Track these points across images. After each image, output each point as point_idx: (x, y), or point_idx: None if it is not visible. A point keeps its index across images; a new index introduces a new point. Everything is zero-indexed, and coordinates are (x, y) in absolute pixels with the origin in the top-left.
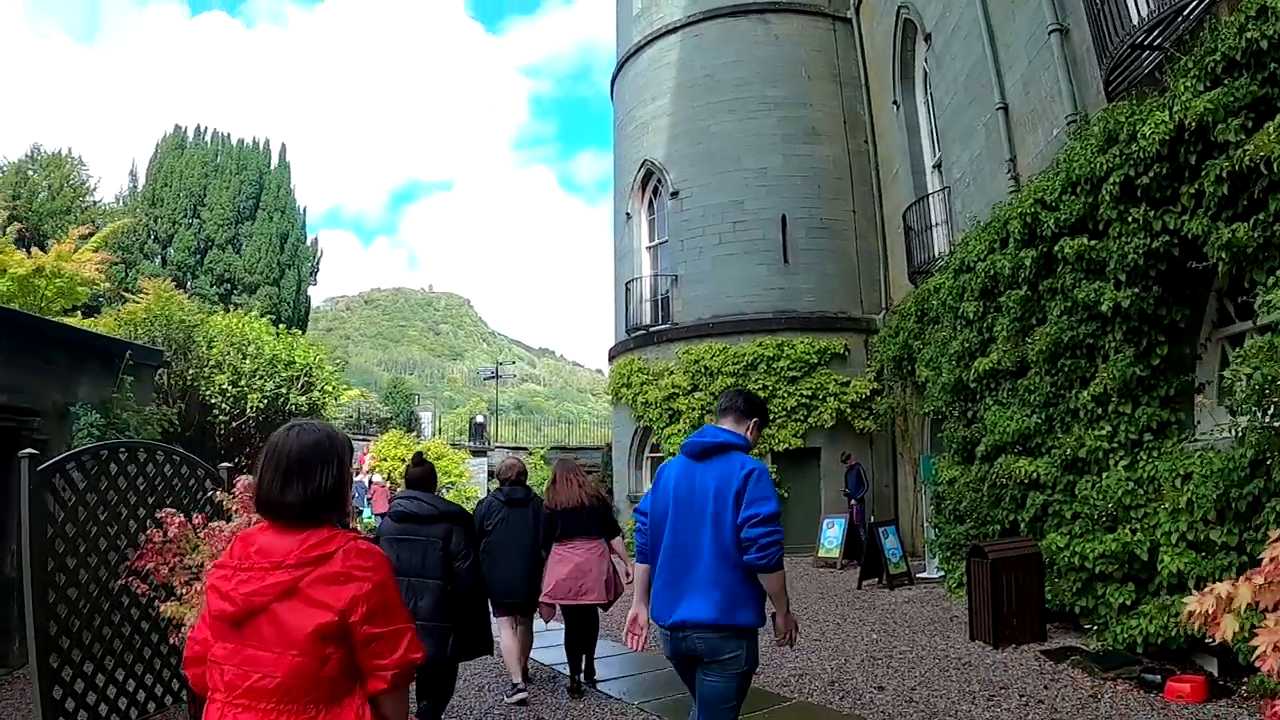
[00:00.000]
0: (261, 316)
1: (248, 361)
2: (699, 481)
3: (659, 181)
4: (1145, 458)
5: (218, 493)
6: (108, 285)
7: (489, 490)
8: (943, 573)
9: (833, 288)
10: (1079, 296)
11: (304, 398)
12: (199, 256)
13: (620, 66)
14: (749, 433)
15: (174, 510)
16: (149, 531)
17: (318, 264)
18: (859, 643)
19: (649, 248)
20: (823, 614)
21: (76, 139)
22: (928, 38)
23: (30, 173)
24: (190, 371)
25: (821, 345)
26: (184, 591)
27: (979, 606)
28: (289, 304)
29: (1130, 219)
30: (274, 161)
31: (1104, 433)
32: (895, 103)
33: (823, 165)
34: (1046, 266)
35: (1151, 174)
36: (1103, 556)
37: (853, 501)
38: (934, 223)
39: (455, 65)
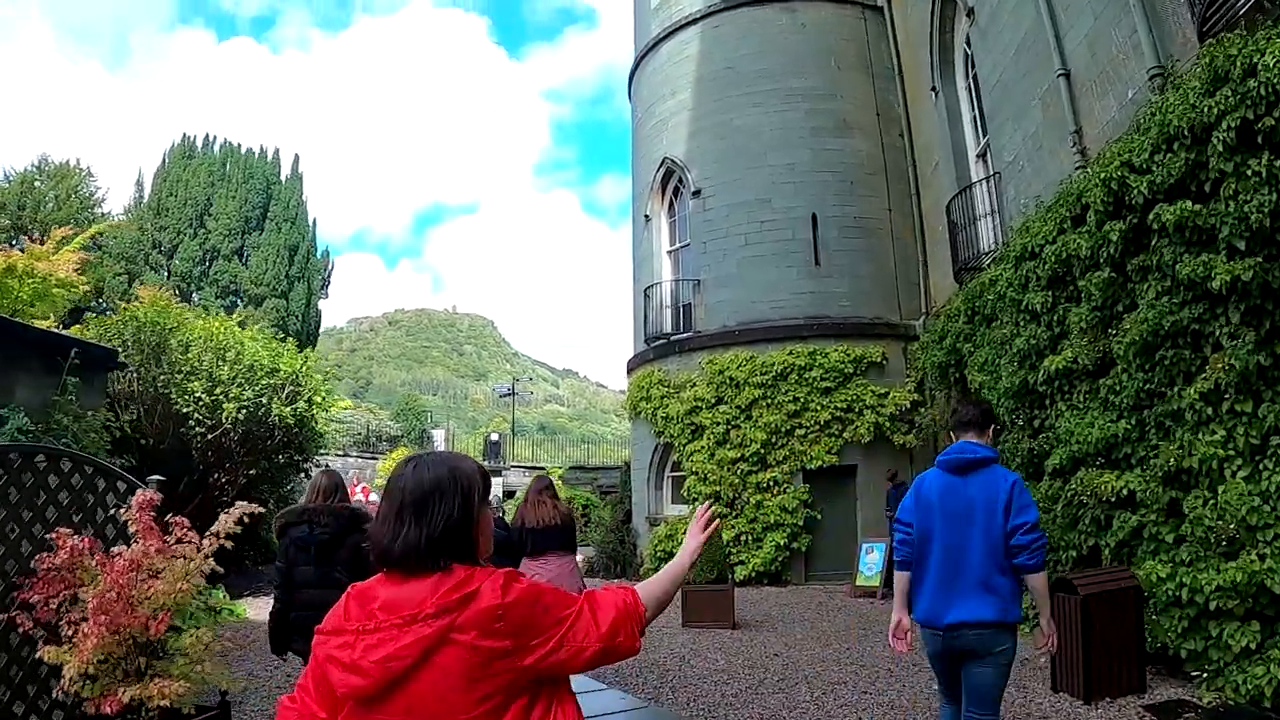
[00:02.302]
0: (268, 329)
1: (226, 367)
2: (966, 494)
3: (680, 181)
4: (1272, 466)
5: (121, 511)
6: (87, 288)
7: (502, 511)
8: None
9: (868, 291)
10: (1182, 273)
11: (289, 409)
12: (204, 267)
13: (638, 63)
14: (990, 441)
15: (69, 531)
16: (39, 556)
17: (329, 277)
18: (919, 695)
19: (669, 252)
20: (869, 656)
21: (102, 160)
22: (970, 12)
23: (37, 183)
24: (162, 378)
25: (857, 353)
26: (70, 633)
27: (1065, 651)
28: (298, 317)
29: (1249, 172)
30: (285, 172)
31: (1217, 437)
32: (934, 89)
33: (855, 160)
34: (1136, 241)
35: (1277, 114)
36: (1220, 589)
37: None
38: (980, 214)
39: (478, 90)
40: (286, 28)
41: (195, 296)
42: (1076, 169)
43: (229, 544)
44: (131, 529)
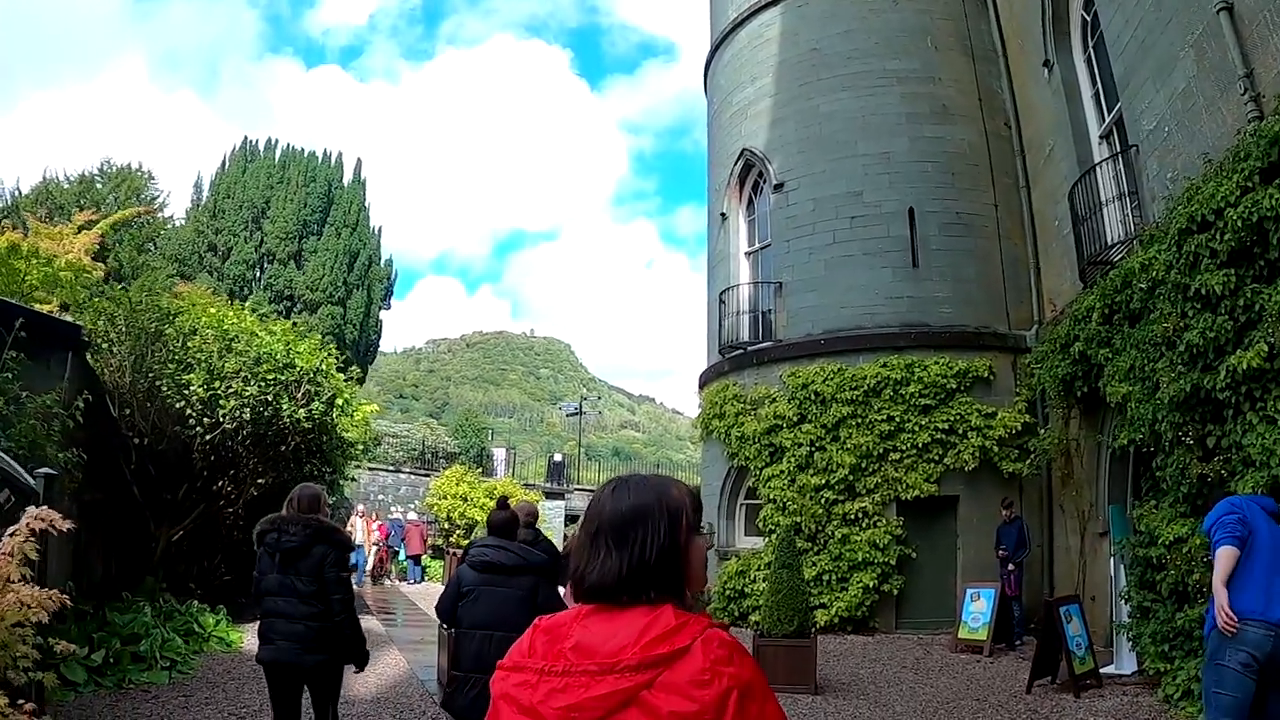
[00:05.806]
0: (323, 336)
1: (231, 359)
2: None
3: (760, 175)
4: None
5: None
6: (101, 272)
7: (566, 536)
8: (1143, 670)
9: (973, 297)
10: None
11: (303, 410)
12: (257, 270)
13: (714, 51)
14: None
15: None
16: None
17: (392, 287)
18: None
19: (748, 253)
20: None
21: (182, 177)
22: None
23: (98, 184)
24: (156, 367)
25: (960, 367)
26: None
27: None
28: (355, 326)
29: None
30: (348, 176)
31: None
32: (1046, 64)
33: (956, 150)
34: None
35: None
36: None
37: (1011, 565)
38: (1108, 199)
39: (560, 120)
40: (374, 57)
41: (248, 301)
42: (1250, 120)
43: (26, 572)
44: None
